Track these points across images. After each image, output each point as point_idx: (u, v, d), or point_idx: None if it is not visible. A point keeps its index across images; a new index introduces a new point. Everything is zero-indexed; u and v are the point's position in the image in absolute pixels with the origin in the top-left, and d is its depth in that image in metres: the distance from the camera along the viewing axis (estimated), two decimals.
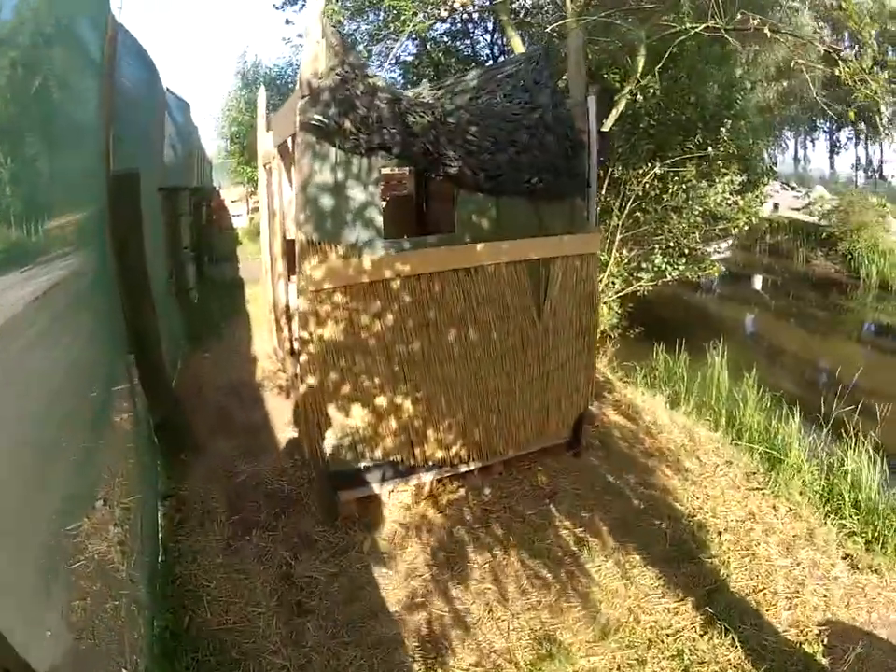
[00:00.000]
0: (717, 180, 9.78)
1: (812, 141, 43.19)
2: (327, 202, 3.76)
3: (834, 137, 39.50)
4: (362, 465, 4.25)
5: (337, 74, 3.68)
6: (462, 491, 4.68)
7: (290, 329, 5.74)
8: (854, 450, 5.56)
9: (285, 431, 5.60)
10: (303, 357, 4.01)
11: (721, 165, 9.82)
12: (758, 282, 23.40)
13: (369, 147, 3.76)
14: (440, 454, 4.46)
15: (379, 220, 4.00)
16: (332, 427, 4.15)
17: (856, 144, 38.75)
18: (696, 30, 6.60)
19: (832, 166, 40.94)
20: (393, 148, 3.85)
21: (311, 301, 3.89)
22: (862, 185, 33.01)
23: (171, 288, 7.29)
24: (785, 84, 24.59)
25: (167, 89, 7.93)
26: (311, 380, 4.03)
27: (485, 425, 4.61)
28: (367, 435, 4.19)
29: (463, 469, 4.63)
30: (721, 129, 9.69)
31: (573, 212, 4.98)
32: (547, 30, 10.46)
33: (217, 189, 20.76)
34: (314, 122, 3.60)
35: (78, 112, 3.41)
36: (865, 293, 20.76)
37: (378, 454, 4.27)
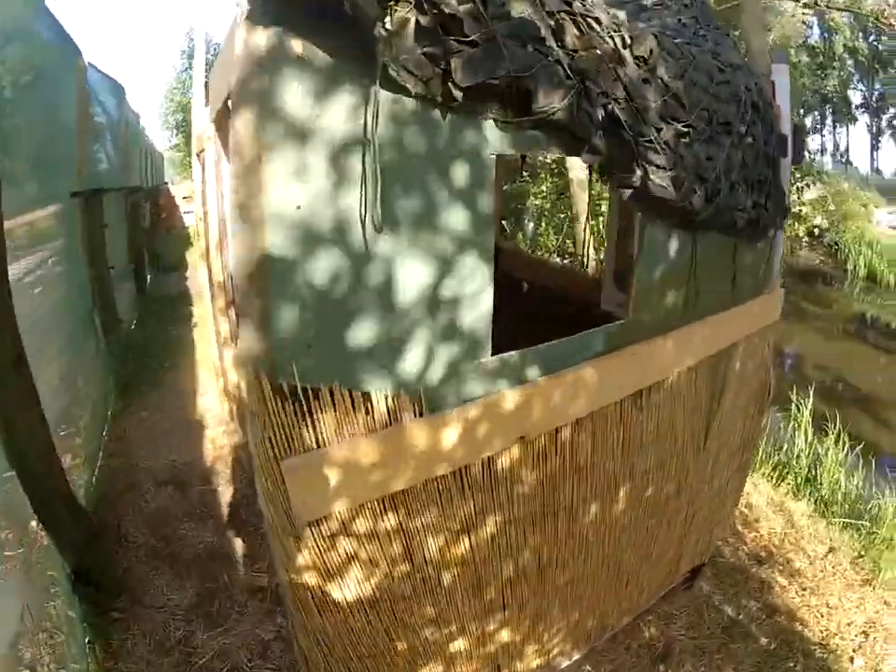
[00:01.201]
0: None
1: None
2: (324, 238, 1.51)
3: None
4: None
5: None
6: None
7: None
8: None
9: (255, 563, 3.94)
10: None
11: None
12: None
13: (469, 89, 1.52)
14: (536, 662, 2.82)
15: (488, 304, 1.86)
16: None
17: (820, 130, 38.39)
18: None
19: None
20: (539, 98, 1.63)
21: (302, 540, 1.76)
22: (831, 171, 32.44)
23: (93, 323, 5.58)
24: None
25: (89, 65, 5.83)
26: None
27: (603, 608, 3.07)
28: None
29: (564, 664, 3.03)
30: None
31: (764, 257, 3.10)
32: None
33: (167, 184, 18.49)
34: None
35: None
36: (853, 285, 20.18)
37: None
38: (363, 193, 1.47)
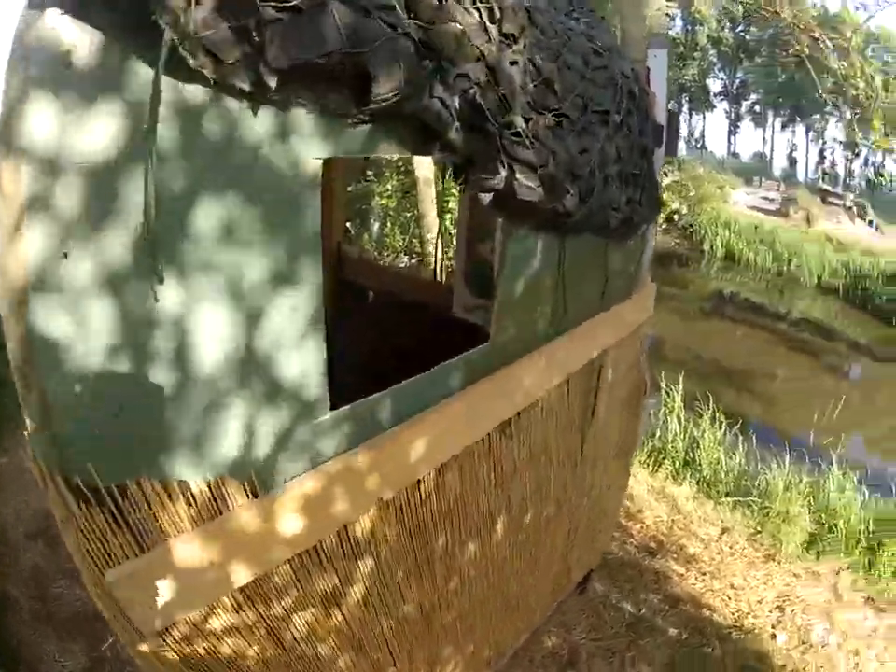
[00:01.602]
0: None
1: None
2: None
3: None
4: None
5: None
6: None
7: None
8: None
9: None
10: None
11: None
12: None
13: (288, 73, 1.11)
14: None
15: (318, 359, 1.44)
16: None
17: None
18: None
19: None
20: (381, 82, 1.24)
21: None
22: (686, 156, 34.30)
23: None
24: None
25: None
26: None
27: (497, 635, 2.87)
28: None
29: None
30: None
31: (636, 254, 2.94)
32: None
33: None
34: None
35: None
36: (710, 264, 21.39)
37: None
38: (141, 232, 1.05)
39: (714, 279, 20.52)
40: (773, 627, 3.90)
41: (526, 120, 1.62)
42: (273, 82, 1.06)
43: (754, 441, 6.36)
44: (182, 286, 1.13)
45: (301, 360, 1.37)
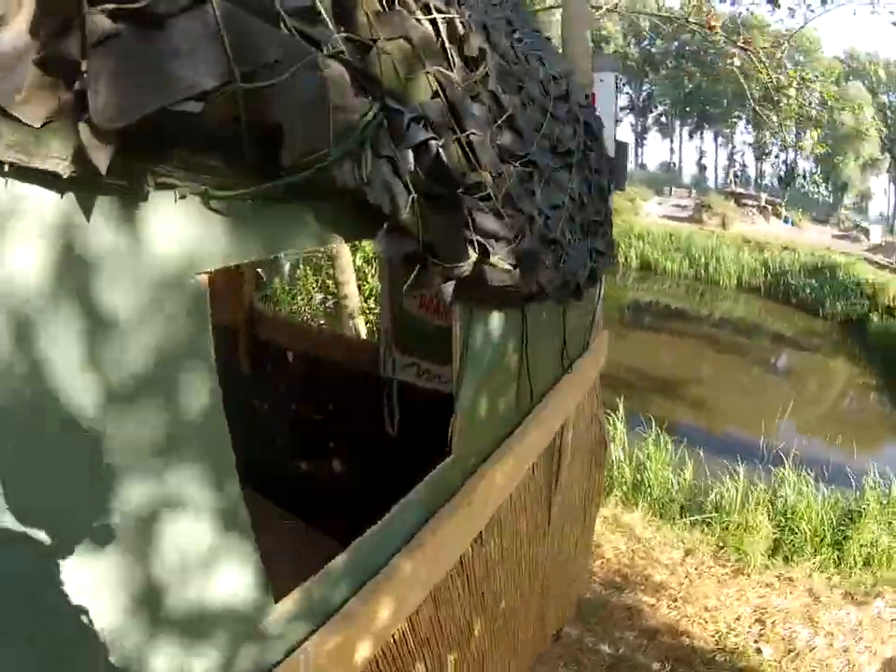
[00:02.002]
0: None
1: None
2: None
3: None
4: None
5: None
6: None
7: None
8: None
9: None
10: None
11: None
12: None
13: (134, 134, 0.62)
14: None
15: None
16: None
17: None
18: None
19: None
20: (295, 140, 0.78)
21: None
22: None
23: None
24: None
25: None
26: None
27: None
28: None
29: None
30: None
31: (592, 305, 2.65)
32: None
33: None
34: None
35: None
36: (626, 277, 21.70)
37: None
38: None
39: (631, 290, 20.79)
40: (756, 642, 3.77)
41: (495, 177, 1.20)
42: (102, 159, 0.59)
43: (702, 454, 6.23)
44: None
45: (227, 560, 0.94)
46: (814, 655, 3.65)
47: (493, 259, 1.13)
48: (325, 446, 2.89)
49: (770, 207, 27.50)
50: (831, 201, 36.20)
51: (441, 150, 0.98)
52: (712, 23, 5.27)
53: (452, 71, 1.07)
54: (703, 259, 21.20)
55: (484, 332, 1.52)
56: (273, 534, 2.81)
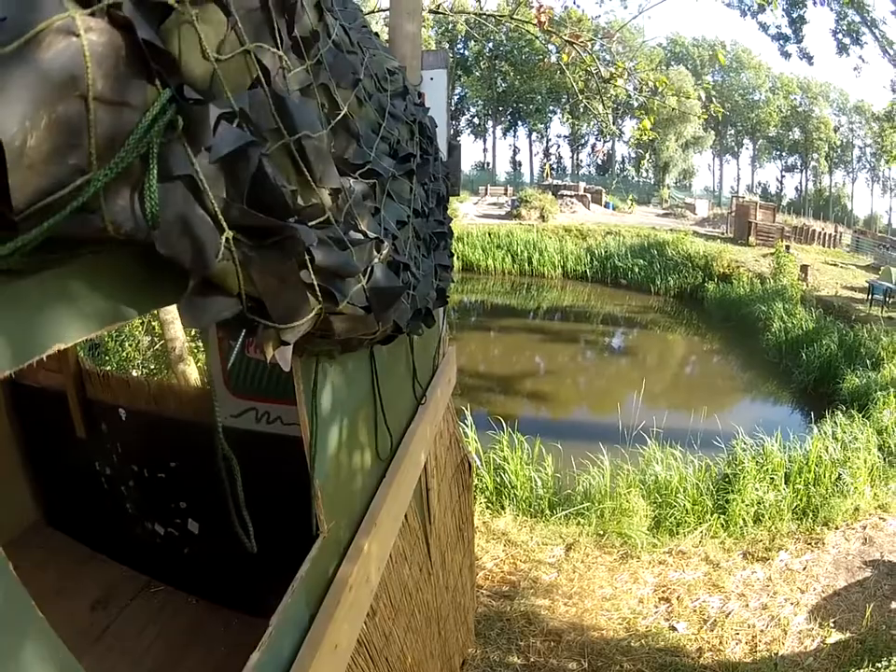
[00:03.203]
0: None
1: None
2: None
3: None
4: None
5: None
6: None
7: None
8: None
9: None
10: None
11: None
12: None
13: None
14: None
15: None
16: None
17: None
18: None
19: None
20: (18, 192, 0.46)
21: None
22: None
23: None
24: None
25: None
26: None
27: None
28: None
29: None
30: None
31: (438, 326, 2.50)
32: None
33: None
34: None
35: None
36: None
37: None
38: None
39: (455, 292, 21.18)
40: (667, 620, 3.75)
41: (334, 194, 0.93)
42: None
43: (560, 447, 6.32)
44: None
45: None
46: (732, 620, 3.70)
47: (341, 305, 0.86)
48: (177, 506, 2.60)
49: (590, 195, 29.14)
50: (652, 182, 39.33)
51: (264, 161, 0.69)
52: (542, 19, 5.28)
53: (280, 52, 0.78)
54: (525, 253, 22.06)
55: (332, 387, 1.26)
56: (142, 601, 2.43)
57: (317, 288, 0.81)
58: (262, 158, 0.68)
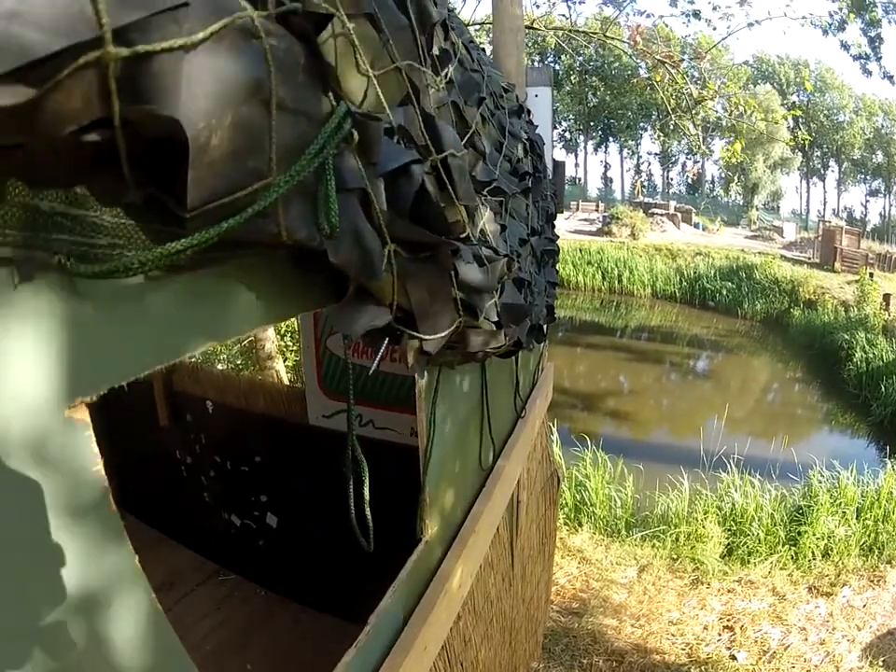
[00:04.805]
0: None
1: None
2: None
3: None
4: None
5: None
6: None
7: None
8: None
9: None
10: None
11: None
12: None
13: None
14: None
15: None
16: None
17: None
18: None
19: None
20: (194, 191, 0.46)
21: None
22: None
23: None
24: None
25: None
26: None
27: None
28: None
29: None
30: None
31: (540, 342, 2.51)
32: None
33: None
34: None
35: None
36: None
37: None
38: None
39: None
40: (728, 648, 3.70)
41: (470, 212, 0.94)
42: None
43: (641, 468, 6.21)
44: None
45: None
46: (790, 653, 3.62)
47: (479, 320, 0.87)
48: (257, 499, 2.69)
49: (680, 215, 28.43)
50: (741, 203, 38.10)
51: (425, 179, 0.70)
52: (637, 39, 5.26)
53: (426, 70, 0.80)
54: (616, 271, 21.66)
55: (447, 397, 1.27)
56: (209, 588, 2.52)
57: (460, 303, 0.83)
58: (423, 176, 0.70)
